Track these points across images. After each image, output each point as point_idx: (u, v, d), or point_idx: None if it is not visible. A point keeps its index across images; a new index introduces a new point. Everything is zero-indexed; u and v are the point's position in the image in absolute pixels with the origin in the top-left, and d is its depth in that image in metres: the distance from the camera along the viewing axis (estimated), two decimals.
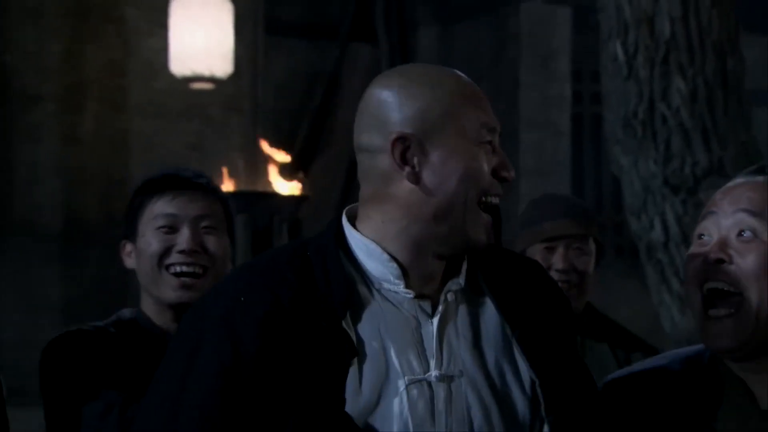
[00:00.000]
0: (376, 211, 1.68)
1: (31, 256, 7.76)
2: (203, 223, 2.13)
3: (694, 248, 1.78)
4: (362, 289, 1.66)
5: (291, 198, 7.21)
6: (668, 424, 1.76)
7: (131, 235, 2.17)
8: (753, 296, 1.70)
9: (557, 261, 2.81)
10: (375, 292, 1.66)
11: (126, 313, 2.18)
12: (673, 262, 4.53)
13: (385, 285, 1.66)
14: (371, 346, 1.63)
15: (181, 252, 2.09)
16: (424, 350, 1.64)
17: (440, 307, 1.67)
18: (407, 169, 1.65)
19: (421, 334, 1.65)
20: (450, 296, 1.68)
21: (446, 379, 1.64)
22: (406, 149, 1.65)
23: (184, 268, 2.09)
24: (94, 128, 8.20)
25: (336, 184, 8.79)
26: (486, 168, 1.68)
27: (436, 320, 1.66)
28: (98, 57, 8.19)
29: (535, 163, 8.47)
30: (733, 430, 1.72)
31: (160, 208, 2.12)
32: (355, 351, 1.61)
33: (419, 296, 1.67)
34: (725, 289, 1.72)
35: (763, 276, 1.70)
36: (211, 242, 2.13)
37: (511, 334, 1.68)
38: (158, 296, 2.12)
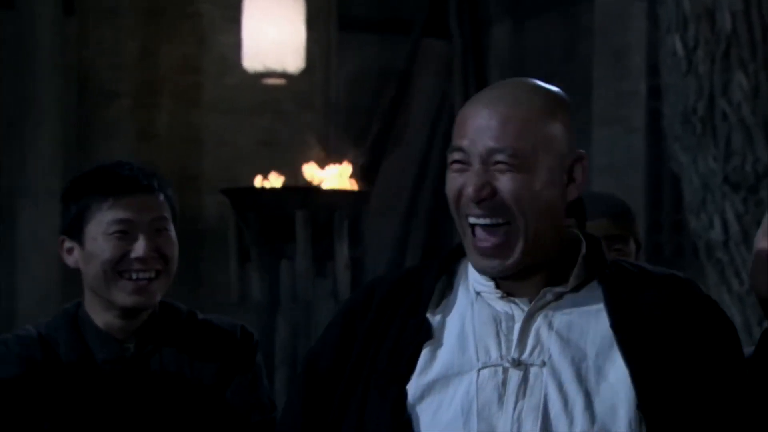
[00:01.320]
0: None
1: None
2: (156, 225, 2.11)
3: None
4: (462, 290, 1.74)
5: (352, 194, 7.20)
6: None
7: (74, 234, 2.13)
8: None
9: None
10: (474, 294, 1.73)
11: (70, 311, 2.16)
12: (733, 261, 4.44)
13: (479, 287, 1.72)
14: (452, 333, 1.69)
15: (138, 259, 2.08)
16: (509, 340, 1.67)
17: (534, 302, 1.68)
18: None
19: (512, 327, 1.68)
20: (549, 296, 1.69)
21: (523, 365, 1.64)
22: None
23: (141, 275, 2.08)
24: (167, 124, 8.32)
25: (406, 180, 8.78)
26: (453, 188, 1.71)
27: (525, 313, 1.68)
28: (173, 54, 8.31)
29: (608, 160, 8.35)
30: None
31: (114, 214, 2.09)
32: (430, 335, 1.68)
33: (512, 295, 1.70)
34: None
35: None
36: (164, 244, 2.11)
37: (623, 356, 1.63)
38: (110, 299, 2.10)
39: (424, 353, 1.68)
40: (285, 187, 7.14)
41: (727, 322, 1.71)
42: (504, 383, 1.63)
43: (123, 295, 2.08)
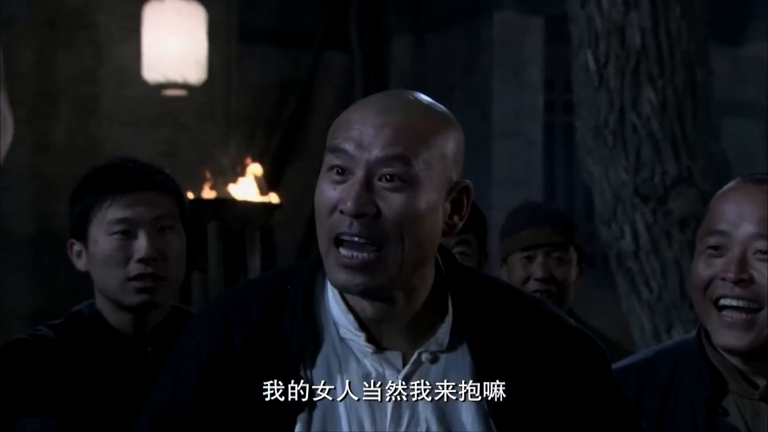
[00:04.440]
0: None
1: (1, 264, 7.72)
2: (159, 224, 2.05)
3: (704, 259, 1.84)
4: (329, 336, 1.57)
5: (264, 206, 7.20)
6: (664, 409, 1.84)
7: (81, 235, 2.08)
8: None
9: (536, 270, 2.76)
10: (339, 342, 1.56)
11: (84, 311, 2.11)
12: (643, 270, 4.57)
13: (347, 334, 1.56)
14: (323, 398, 1.54)
15: (140, 261, 2.03)
16: (383, 408, 1.53)
17: (409, 365, 1.55)
18: None
19: (382, 391, 1.54)
20: (425, 356, 1.55)
21: None
22: None
23: (144, 279, 2.04)
24: (65, 135, 8.18)
25: (309, 193, 8.78)
26: (327, 202, 1.52)
27: (400, 377, 1.54)
28: (70, 64, 8.18)
29: (508, 172, 8.49)
30: (735, 412, 1.81)
31: (114, 212, 2.03)
32: (305, 402, 1.52)
33: (385, 349, 1.55)
34: (744, 306, 1.80)
35: None
36: (168, 244, 2.05)
37: (487, 409, 1.53)
38: (117, 300, 2.06)
39: (301, 420, 1.53)
40: (197, 199, 7.09)
41: (595, 350, 1.60)
42: None
43: (129, 296, 2.04)
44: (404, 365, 1.55)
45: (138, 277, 2.04)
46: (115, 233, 2.04)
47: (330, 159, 1.53)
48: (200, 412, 1.55)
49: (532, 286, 2.74)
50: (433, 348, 1.56)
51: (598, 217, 4.69)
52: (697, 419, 1.83)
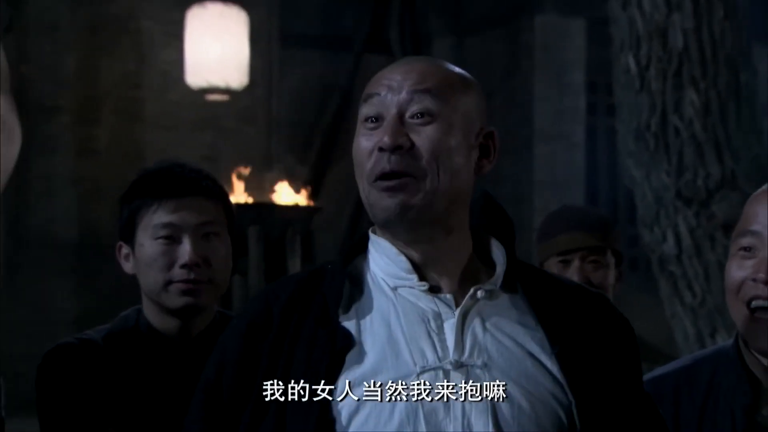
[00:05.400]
0: None
1: (45, 268, 7.79)
2: (205, 230, 2.05)
3: (737, 261, 1.83)
4: (375, 288, 1.63)
5: (304, 209, 7.22)
6: (703, 417, 1.83)
7: (128, 238, 2.09)
8: None
9: (572, 274, 2.72)
10: (390, 291, 1.63)
11: (131, 316, 2.12)
12: (686, 274, 4.53)
13: (399, 281, 1.63)
14: (378, 338, 1.59)
15: (184, 266, 2.03)
16: (443, 340, 1.59)
17: (466, 300, 1.61)
18: None
19: (441, 326, 1.60)
20: (480, 293, 1.62)
21: (465, 367, 1.57)
22: None
23: (188, 282, 2.05)
24: (108, 140, 8.25)
25: (350, 196, 8.79)
26: (366, 147, 1.62)
27: (458, 311, 1.60)
28: (113, 69, 8.24)
29: (550, 175, 8.46)
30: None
31: (160, 217, 2.04)
32: (350, 343, 1.57)
33: (438, 290, 1.62)
34: None
35: None
36: (212, 250, 2.06)
37: (550, 349, 1.60)
38: (162, 303, 2.07)
39: (349, 362, 1.57)
40: (237, 204, 7.13)
41: (632, 333, 1.72)
42: (448, 387, 1.56)
43: (173, 298, 2.04)
44: (457, 307, 1.61)
45: (182, 282, 2.04)
46: (160, 238, 2.05)
47: (364, 110, 1.64)
48: (244, 376, 1.60)
49: None
50: (488, 287, 1.63)
51: (641, 221, 4.66)
52: (737, 426, 1.81)
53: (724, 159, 4.45)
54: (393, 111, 1.60)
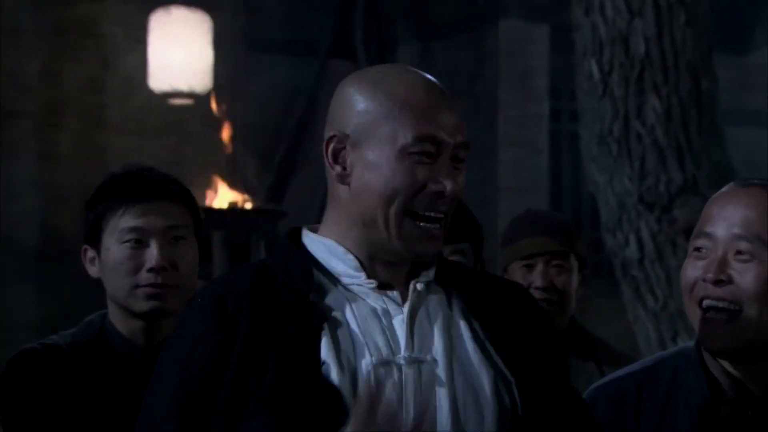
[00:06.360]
0: (330, 210, 1.68)
1: (7, 274, 7.72)
2: (172, 234, 2.04)
3: (691, 262, 1.86)
4: (326, 283, 1.64)
5: (269, 214, 7.21)
6: (663, 417, 1.85)
7: (94, 242, 2.08)
8: (752, 311, 1.81)
9: (536, 278, 2.75)
10: (339, 287, 1.65)
11: (96, 321, 2.11)
12: (648, 278, 4.56)
13: (347, 279, 1.65)
14: (340, 323, 1.61)
15: (151, 270, 2.03)
16: (394, 335, 1.62)
17: (411, 295, 1.65)
18: (337, 168, 1.65)
19: (390, 322, 1.63)
20: (420, 286, 1.66)
21: (416, 362, 1.60)
22: (341, 149, 1.64)
23: (155, 286, 2.04)
24: (71, 145, 8.19)
25: (315, 200, 8.79)
26: (409, 180, 1.61)
27: (406, 307, 1.63)
28: (77, 74, 8.19)
29: (514, 180, 8.50)
30: (730, 418, 1.83)
31: (127, 221, 2.03)
32: (324, 317, 1.59)
33: (384, 287, 1.65)
34: (724, 307, 1.82)
35: (762, 294, 1.80)
36: (180, 254, 2.05)
37: (483, 335, 1.65)
38: (129, 307, 2.06)
39: (324, 342, 1.59)
40: (202, 208, 7.10)
41: (549, 318, 1.82)
42: (400, 382, 1.59)
43: (139, 302, 2.04)
44: (403, 300, 1.65)
45: (149, 285, 2.04)
46: (127, 242, 2.04)
47: (420, 145, 1.62)
48: (222, 348, 1.58)
49: (533, 294, 2.74)
50: (423, 280, 1.67)
51: (603, 226, 4.68)
52: (695, 426, 1.83)
53: (685, 165, 4.48)
54: (447, 154, 1.67)
